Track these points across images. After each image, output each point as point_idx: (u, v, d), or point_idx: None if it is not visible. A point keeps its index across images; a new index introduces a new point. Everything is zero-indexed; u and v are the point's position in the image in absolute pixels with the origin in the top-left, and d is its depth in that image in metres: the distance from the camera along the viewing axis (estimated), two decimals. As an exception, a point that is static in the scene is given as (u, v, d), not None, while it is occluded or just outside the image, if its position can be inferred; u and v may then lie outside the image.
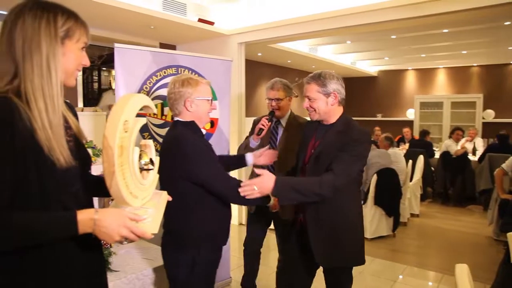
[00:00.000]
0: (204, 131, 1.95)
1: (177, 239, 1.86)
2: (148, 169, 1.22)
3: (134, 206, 1.13)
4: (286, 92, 2.69)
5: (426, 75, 10.28)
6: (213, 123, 3.02)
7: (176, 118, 1.91)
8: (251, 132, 2.81)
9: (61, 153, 1.05)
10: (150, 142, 1.31)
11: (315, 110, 2.01)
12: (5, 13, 3.51)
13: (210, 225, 1.86)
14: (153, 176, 1.28)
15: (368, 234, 4.69)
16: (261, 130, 2.50)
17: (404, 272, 3.82)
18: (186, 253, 1.83)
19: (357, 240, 2.07)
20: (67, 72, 1.12)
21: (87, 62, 1.18)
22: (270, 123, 2.55)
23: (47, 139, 1.03)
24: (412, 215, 5.78)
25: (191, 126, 1.88)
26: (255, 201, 1.91)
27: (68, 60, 1.11)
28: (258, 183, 1.78)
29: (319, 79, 1.98)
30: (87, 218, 1.01)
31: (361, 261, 2.08)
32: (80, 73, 6.40)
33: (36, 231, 0.99)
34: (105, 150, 1.02)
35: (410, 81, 10.56)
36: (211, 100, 1.92)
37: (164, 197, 1.38)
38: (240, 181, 1.86)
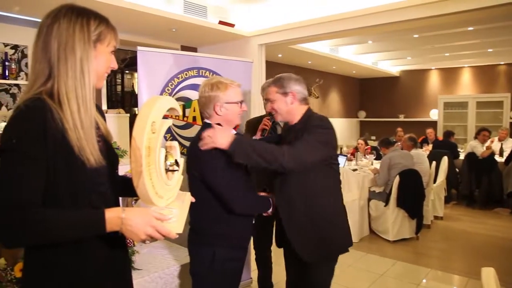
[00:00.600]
0: (233, 131, 1.98)
1: (197, 236, 1.91)
2: (173, 170, 1.24)
3: (159, 206, 1.14)
4: None
5: (450, 75, 10.06)
6: (233, 124, 3.04)
7: (205, 120, 1.96)
8: (251, 134, 2.80)
9: (92, 153, 1.08)
10: (175, 144, 1.33)
11: (277, 112, 2.05)
12: (36, 19, 3.62)
13: (227, 225, 1.89)
14: (178, 177, 1.30)
15: (390, 236, 4.63)
16: (264, 130, 2.54)
17: (427, 276, 3.75)
18: (205, 250, 1.87)
19: (335, 232, 2.02)
20: (97, 75, 1.15)
21: (115, 65, 1.21)
22: (271, 122, 2.58)
23: (78, 139, 1.06)
24: (436, 217, 5.66)
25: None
26: (258, 209, 1.99)
27: (99, 63, 1.15)
28: (213, 132, 1.76)
29: (278, 81, 2.05)
30: (115, 216, 1.03)
31: (339, 251, 2.04)
32: (104, 76, 6.55)
33: (66, 228, 1.01)
34: (133, 150, 1.04)
35: (434, 81, 10.35)
36: (241, 102, 1.93)
37: (188, 197, 1.40)
38: (254, 194, 1.97)
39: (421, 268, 3.92)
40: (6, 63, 4.13)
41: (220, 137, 1.75)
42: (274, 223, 2.88)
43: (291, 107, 2.03)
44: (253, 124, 2.81)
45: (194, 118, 2.97)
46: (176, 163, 1.26)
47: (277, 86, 2.04)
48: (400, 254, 4.29)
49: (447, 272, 3.83)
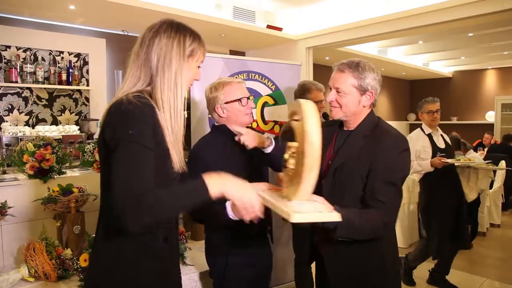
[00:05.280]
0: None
1: (210, 243, 1.89)
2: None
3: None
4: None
5: (509, 74, 9.51)
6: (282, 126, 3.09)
7: (214, 123, 1.92)
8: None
9: (178, 160, 1.19)
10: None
11: (341, 107, 1.57)
12: (97, 29, 3.85)
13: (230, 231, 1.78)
14: None
15: (442, 243, 4.46)
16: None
17: (483, 285, 3.58)
18: (218, 257, 1.83)
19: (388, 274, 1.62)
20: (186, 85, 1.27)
21: (199, 77, 1.32)
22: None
23: (169, 143, 1.17)
24: (492, 225, 5.38)
25: (219, 129, 1.86)
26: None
27: (188, 76, 1.25)
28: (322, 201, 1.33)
29: (356, 69, 1.54)
30: (212, 175, 1.12)
31: None
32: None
33: (179, 203, 1.10)
34: (309, 145, 1.10)
35: (490, 81, 9.82)
36: (244, 98, 1.80)
37: None
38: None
39: (475, 277, 3.75)
40: (70, 70, 4.46)
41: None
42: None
43: (361, 110, 1.58)
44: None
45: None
46: None
47: (356, 77, 1.54)
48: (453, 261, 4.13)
49: (506, 283, 3.64)
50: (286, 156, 1.28)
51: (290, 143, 1.29)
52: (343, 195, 1.53)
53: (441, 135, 3.48)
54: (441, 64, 9.65)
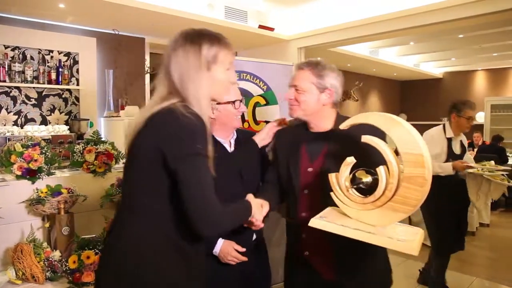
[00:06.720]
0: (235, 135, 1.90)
1: None
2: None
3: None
4: None
5: (498, 76, 9.63)
6: (274, 126, 3.09)
7: None
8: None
9: (211, 166, 1.21)
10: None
11: (299, 105, 1.58)
12: (86, 28, 3.80)
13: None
14: None
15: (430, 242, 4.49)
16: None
17: (472, 285, 3.61)
18: None
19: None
20: (218, 92, 1.27)
21: (234, 79, 1.31)
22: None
23: None
24: (482, 224, 5.43)
25: None
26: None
27: (215, 82, 1.23)
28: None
29: (316, 67, 1.58)
30: (253, 202, 1.43)
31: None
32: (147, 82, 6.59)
33: (237, 217, 1.33)
34: (428, 172, 1.13)
35: (480, 82, 9.93)
36: (237, 101, 1.74)
37: None
38: None
39: (465, 276, 3.78)
40: (60, 70, 4.40)
41: None
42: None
43: (320, 108, 1.58)
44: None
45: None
46: None
47: (315, 75, 1.57)
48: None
49: (494, 282, 3.68)
50: (366, 180, 1.26)
51: (364, 172, 1.28)
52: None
53: (461, 140, 3.29)
54: (432, 65, 9.74)
